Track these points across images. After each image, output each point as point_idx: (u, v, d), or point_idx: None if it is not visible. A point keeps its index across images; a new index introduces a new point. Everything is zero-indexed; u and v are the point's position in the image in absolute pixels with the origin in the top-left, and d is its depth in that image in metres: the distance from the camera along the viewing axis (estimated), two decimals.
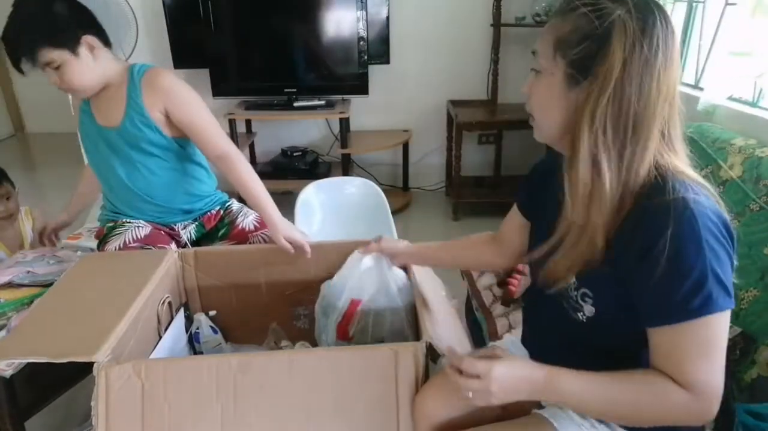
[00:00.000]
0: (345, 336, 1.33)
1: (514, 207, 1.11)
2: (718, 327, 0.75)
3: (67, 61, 1.40)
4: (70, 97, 1.89)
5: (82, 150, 1.69)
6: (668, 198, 0.75)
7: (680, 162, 0.81)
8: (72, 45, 1.39)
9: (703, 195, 0.77)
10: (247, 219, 1.71)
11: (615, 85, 0.76)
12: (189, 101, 1.52)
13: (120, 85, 1.51)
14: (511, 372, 0.82)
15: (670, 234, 0.73)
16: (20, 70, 1.39)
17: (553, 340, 0.96)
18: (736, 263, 0.77)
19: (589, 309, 0.85)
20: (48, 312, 1.21)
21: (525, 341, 1.07)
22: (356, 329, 1.32)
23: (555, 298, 0.90)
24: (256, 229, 1.69)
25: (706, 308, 0.73)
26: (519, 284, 1.57)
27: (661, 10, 0.77)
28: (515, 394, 0.83)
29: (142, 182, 1.57)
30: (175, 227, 1.67)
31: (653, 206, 0.76)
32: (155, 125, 1.51)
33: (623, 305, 0.81)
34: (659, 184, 0.77)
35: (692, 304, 0.73)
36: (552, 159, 0.96)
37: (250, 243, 1.65)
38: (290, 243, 1.45)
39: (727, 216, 0.77)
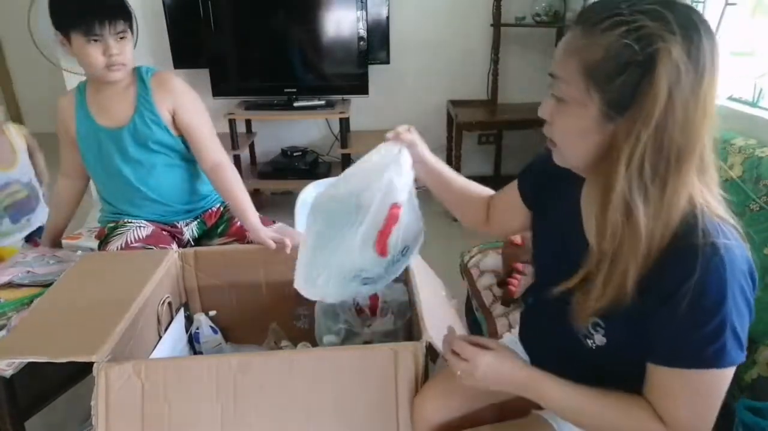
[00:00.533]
0: (384, 251, 1.07)
1: (514, 184, 1.05)
2: (723, 378, 0.73)
3: (126, 37, 1.45)
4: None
5: (66, 153, 1.65)
6: (698, 242, 0.69)
7: (712, 197, 0.74)
8: (131, 22, 1.48)
9: (734, 239, 0.71)
10: None
11: (659, 119, 0.67)
12: (195, 107, 1.59)
13: (128, 85, 1.53)
14: (495, 366, 0.85)
15: (695, 280, 0.68)
16: (96, 35, 1.40)
17: (553, 349, 0.94)
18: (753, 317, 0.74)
19: (600, 339, 0.82)
20: (48, 312, 1.21)
21: (523, 340, 1.06)
22: (392, 243, 1.07)
23: (564, 316, 0.86)
24: None
25: (717, 360, 0.71)
26: (519, 284, 1.57)
27: (704, 23, 0.69)
28: (498, 385, 0.86)
29: (150, 181, 1.59)
30: (178, 225, 1.68)
31: (682, 249, 0.71)
32: (164, 123, 1.54)
33: (635, 341, 0.78)
34: (690, 224, 0.71)
35: (704, 354, 0.71)
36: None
37: (248, 241, 1.65)
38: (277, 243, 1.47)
39: (752, 262, 0.72)
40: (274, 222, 1.71)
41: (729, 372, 0.73)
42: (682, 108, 0.67)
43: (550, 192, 0.95)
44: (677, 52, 0.66)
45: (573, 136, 0.76)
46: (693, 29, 0.67)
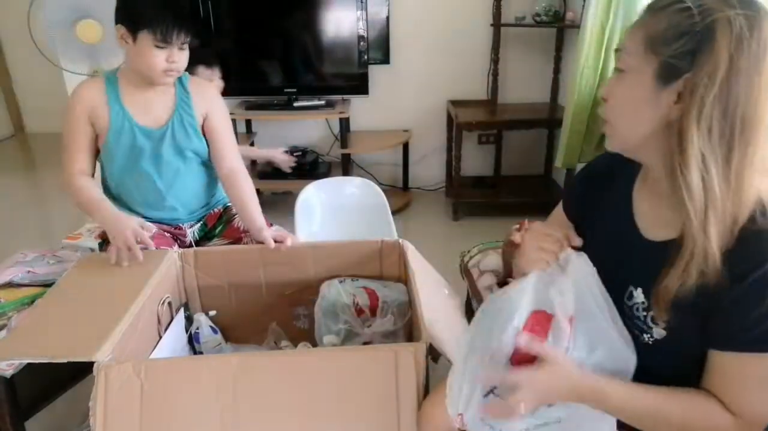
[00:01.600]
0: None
1: (559, 206, 1.10)
2: None
3: (185, 47, 1.47)
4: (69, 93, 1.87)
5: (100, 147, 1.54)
6: None
7: None
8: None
9: None
10: None
11: (721, 84, 0.69)
12: (225, 113, 1.65)
13: (169, 86, 1.55)
14: (550, 383, 0.80)
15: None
16: (166, 42, 1.41)
17: None
18: None
19: (659, 332, 0.81)
20: (48, 312, 1.21)
21: None
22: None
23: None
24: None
25: None
26: None
27: (765, 6, 0.72)
28: (556, 400, 0.82)
29: (175, 184, 1.61)
30: (183, 227, 1.69)
31: (758, 232, 0.72)
32: (198, 128, 1.58)
33: (698, 332, 0.77)
34: (764, 207, 0.73)
35: None
36: (606, 162, 0.95)
37: (243, 243, 1.66)
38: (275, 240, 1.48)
39: None
40: (271, 225, 1.72)
41: None
42: (746, 76, 0.69)
43: (591, 195, 0.97)
44: (738, 22, 0.68)
45: (628, 106, 0.78)
46: (754, 7, 0.70)
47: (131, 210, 1.62)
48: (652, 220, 0.86)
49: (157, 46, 1.41)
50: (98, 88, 1.51)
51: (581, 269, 0.86)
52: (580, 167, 2.77)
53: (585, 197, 1.00)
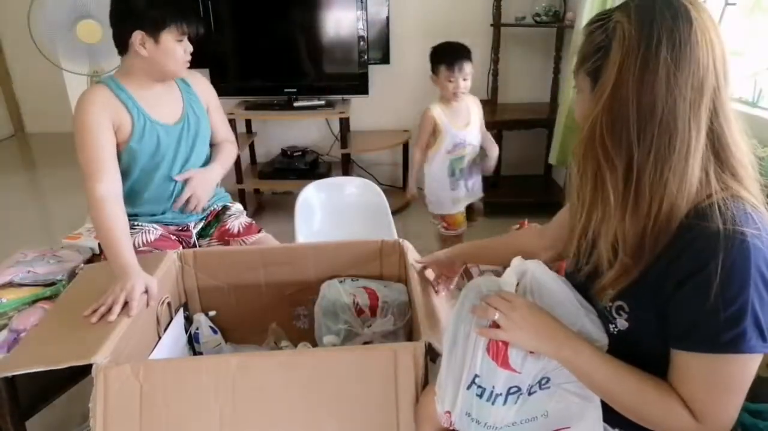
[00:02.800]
0: (501, 361, 0.89)
1: (565, 208, 1.11)
2: (744, 367, 0.73)
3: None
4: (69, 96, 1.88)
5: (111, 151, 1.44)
6: (720, 227, 0.70)
7: (744, 189, 0.75)
8: None
9: (765, 231, 0.72)
10: (235, 221, 1.74)
11: (612, 90, 0.73)
12: (218, 103, 1.76)
13: (171, 82, 1.59)
14: (535, 311, 0.85)
15: (720, 262, 0.69)
16: (184, 34, 1.48)
17: None
18: None
19: (621, 323, 0.82)
20: (52, 324, 1.22)
21: None
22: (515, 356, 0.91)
23: (589, 301, 0.88)
24: (239, 233, 1.72)
25: (735, 346, 0.71)
26: None
27: (669, 7, 0.72)
28: (535, 335, 0.83)
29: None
30: (189, 226, 1.69)
31: (706, 231, 0.71)
32: (206, 114, 1.66)
33: (659, 324, 0.78)
34: (711, 209, 0.72)
35: (722, 338, 0.71)
36: None
37: (229, 245, 1.69)
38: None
39: None
40: (260, 231, 1.73)
41: (751, 362, 0.72)
42: (636, 81, 0.72)
43: None
44: (628, 30, 0.72)
45: (580, 119, 0.82)
46: (650, 11, 0.73)
47: (136, 215, 1.62)
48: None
49: (179, 41, 1.47)
50: (105, 94, 1.45)
51: (542, 269, 0.91)
52: None
53: None
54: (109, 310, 1.17)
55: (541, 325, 0.83)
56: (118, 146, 1.46)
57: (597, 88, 0.76)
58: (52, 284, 1.49)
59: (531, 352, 0.84)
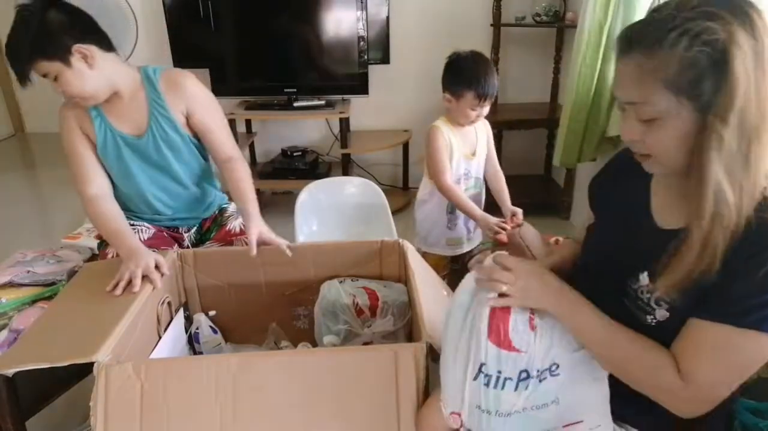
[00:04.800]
0: (503, 341, 0.90)
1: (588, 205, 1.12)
2: (759, 347, 0.75)
3: (61, 72, 1.35)
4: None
5: (84, 161, 1.48)
6: None
7: None
8: (63, 56, 1.34)
9: None
10: (235, 222, 1.73)
11: (740, 102, 0.72)
12: (209, 104, 1.58)
13: (136, 90, 1.49)
14: (539, 273, 0.90)
15: None
16: (24, 81, 1.36)
17: None
18: None
19: (661, 314, 0.83)
20: (50, 320, 1.22)
21: None
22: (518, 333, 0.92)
23: (615, 292, 0.90)
24: (241, 232, 1.70)
25: (760, 324, 0.73)
26: None
27: (745, 1, 0.73)
28: (540, 295, 0.88)
29: (166, 190, 1.60)
30: (180, 231, 1.69)
31: (761, 222, 0.74)
32: (179, 127, 1.53)
33: (698, 309, 0.79)
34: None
35: (752, 316, 0.73)
36: (626, 156, 0.96)
37: (233, 245, 1.67)
38: (264, 244, 1.43)
39: None
40: None
41: (766, 345, 0.74)
42: (756, 86, 0.72)
43: (614, 190, 1.01)
44: (741, 36, 0.70)
45: (674, 144, 0.78)
46: (741, 11, 0.72)
47: (130, 214, 1.62)
48: (665, 210, 0.89)
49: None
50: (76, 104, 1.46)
51: None
52: (580, 167, 2.79)
53: (607, 185, 1.05)
54: (130, 283, 1.25)
55: (543, 287, 0.88)
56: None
57: (710, 103, 0.73)
58: (52, 284, 1.49)
59: (532, 329, 0.86)
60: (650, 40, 0.74)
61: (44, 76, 1.36)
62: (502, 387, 0.85)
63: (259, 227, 1.44)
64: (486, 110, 1.77)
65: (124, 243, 1.38)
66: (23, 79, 1.35)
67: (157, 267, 1.32)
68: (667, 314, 0.83)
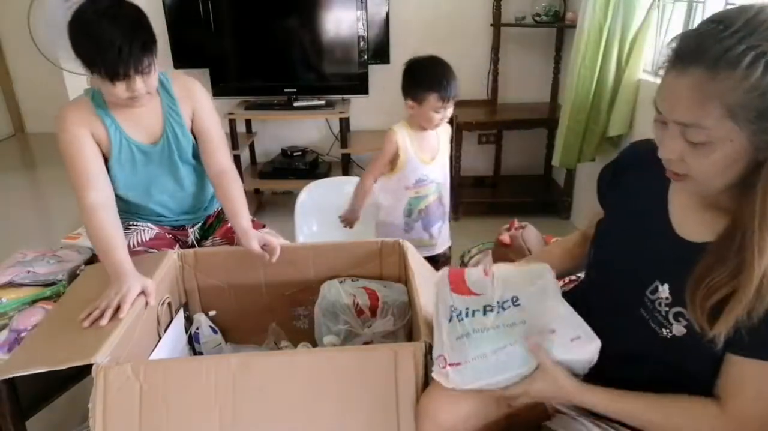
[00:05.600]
0: (459, 286, 1.06)
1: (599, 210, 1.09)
2: None
3: (152, 68, 1.33)
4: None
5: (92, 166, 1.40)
6: None
7: None
8: (156, 50, 1.34)
9: None
10: None
11: None
12: (212, 113, 1.57)
13: (150, 97, 1.43)
14: (546, 390, 0.91)
15: None
16: (116, 78, 1.27)
17: (614, 345, 0.90)
18: None
19: (679, 329, 0.81)
20: (53, 325, 1.22)
21: None
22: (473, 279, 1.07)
23: (631, 301, 0.88)
24: None
25: None
26: None
27: None
28: (549, 398, 0.96)
29: (177, 194, 1.60)
30: (185, 227, 1.69)
31: None
32: (188, 131, 1.53)
33: (722, 336, 0.76)
34: None
35: None
36: (635, 154, 0.95)
37: (236, 243, 1.66)
38: (265, 247, 1.42)
39: None
40: (264, 226, 1.72)
41: None
42: None
43: (627, 189, 0.96)
44: None
45: (719, 171, 0.72)
46: None
47: (133, 215, 1.63)
48: (688, 219, 0.85)
49: (110, 82, 1.29)
50: (84, 108, 1.42)
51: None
52: (580, 167, 2.79)
53: (614, 184, 0.99)
54: (102, 314, 1.15)
55: (555, 397, 0.94)
56: (105, 160, 1.45)
57: None
58: (52, 284, 1.49)
59: (486, 275, 0.98)
60: (715, 57, 0.66)
61: (144, 71, 1.30)
62: (473, 315, 0.97)
63: (257, 236, 1.43)
64: (449, 112, 1.76)
65: (113, 263, 1.28)
66: (127, 77, 1.28)
67: (143, 293, 1.24)
68: (685, 330, 0.80)
